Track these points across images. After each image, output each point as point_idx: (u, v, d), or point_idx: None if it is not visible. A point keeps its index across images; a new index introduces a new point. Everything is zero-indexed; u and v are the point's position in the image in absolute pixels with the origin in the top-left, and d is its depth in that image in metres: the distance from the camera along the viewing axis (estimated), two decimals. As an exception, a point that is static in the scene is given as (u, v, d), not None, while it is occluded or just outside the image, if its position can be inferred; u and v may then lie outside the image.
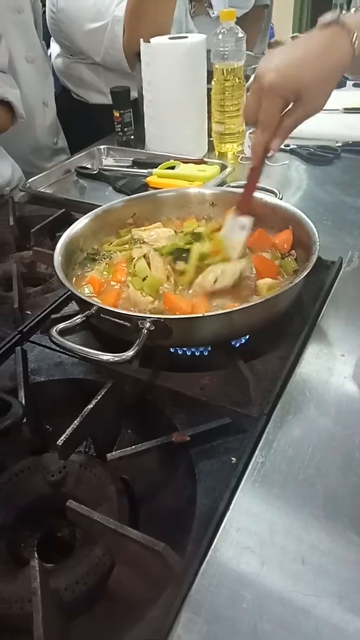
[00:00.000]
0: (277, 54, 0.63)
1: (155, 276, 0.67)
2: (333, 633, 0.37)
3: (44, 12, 1.44)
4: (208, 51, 1.19)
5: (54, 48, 1.55)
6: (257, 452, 0.50)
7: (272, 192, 0.83)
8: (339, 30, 0.60)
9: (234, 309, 0.60)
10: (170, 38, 1.18)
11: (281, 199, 0.80)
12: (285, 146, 1.25)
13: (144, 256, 0.71)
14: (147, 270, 0.68)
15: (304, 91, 0.60)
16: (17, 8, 1.23)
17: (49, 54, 1.57)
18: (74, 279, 0.74)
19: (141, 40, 1.17)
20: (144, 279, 0.67)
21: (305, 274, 0.62)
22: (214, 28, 1.17)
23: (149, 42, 1.16)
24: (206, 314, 0.58)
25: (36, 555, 0.47)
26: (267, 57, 0.65)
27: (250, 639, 0.36)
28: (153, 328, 0.56)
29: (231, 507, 0.45)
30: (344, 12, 0.62)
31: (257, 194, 0.80)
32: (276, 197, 0.81)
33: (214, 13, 1.87)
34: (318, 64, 0.60)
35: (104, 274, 0.74)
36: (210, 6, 1.89)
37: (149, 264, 0.70)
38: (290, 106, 0.64)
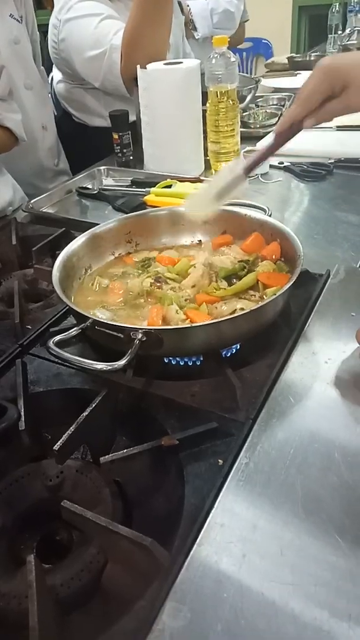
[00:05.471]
0: (336, 55, 0.68)
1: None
2: (309, 618, 0.39)
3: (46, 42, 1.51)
4: (202, 74, 1.24)
5: (56, 74, 1.62)
6: (242, 453, 0.52)
7: (262, 209, 0.87)
8: None
9: (222, 319, 0.63)
10: (165, 63, 1.23)
11: (270, 216, 0.84)
12: (279, 163, 1.30)
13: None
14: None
15: (352, 82, 0.63)
16: (15, 40, 1.32)
17: (50, 80, 1.63)
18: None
19: (138, 66, 1.22)
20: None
21: (289, 285, 0.65)
22: (200, 49, 1.21)
23: (146, 68, 1.21)
24: (194, 325, 0.61)
25: (34, 552, 0.50)
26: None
27: (232, 624, 0.39)
28: (145, 339, 0.59)
29: (216, 505, 0.48)
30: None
31: (246, 211, 0.84)
32: (265, 213, 0.85)
33: (198, 35, 1.95)
34: None
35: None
36: (195, 29, 1.97)
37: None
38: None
